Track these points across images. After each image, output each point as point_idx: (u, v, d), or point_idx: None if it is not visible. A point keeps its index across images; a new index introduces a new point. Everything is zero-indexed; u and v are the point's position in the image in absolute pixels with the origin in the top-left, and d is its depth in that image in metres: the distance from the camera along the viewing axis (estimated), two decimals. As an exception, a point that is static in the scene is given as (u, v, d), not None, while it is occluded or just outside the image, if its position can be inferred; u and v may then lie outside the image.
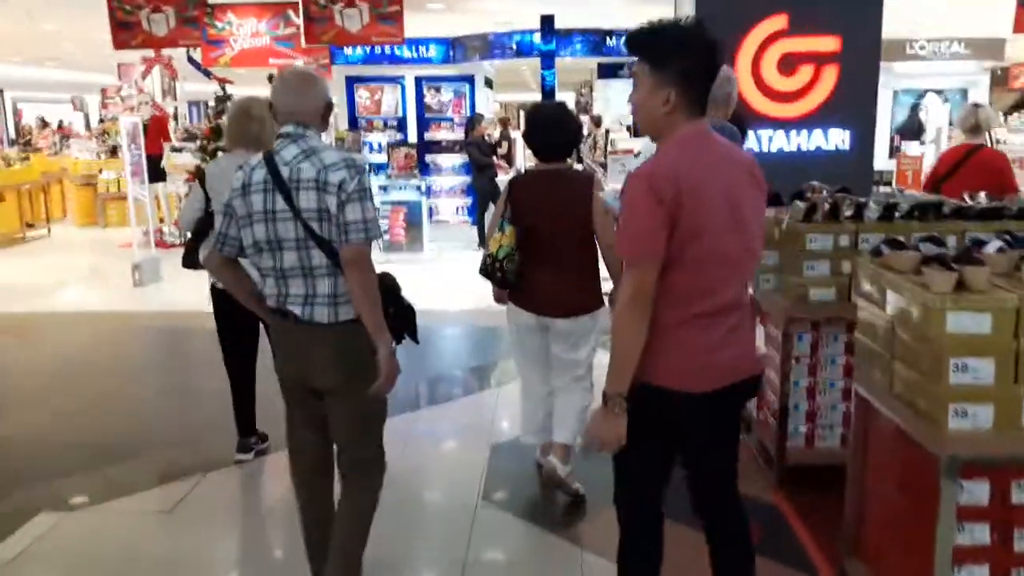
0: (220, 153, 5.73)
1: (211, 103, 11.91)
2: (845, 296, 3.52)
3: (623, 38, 11.13)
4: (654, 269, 1.99)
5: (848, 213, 3.57)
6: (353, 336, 2.49)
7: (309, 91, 2.55)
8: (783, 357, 3.65)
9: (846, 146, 6.79)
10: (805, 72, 6.69)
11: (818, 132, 6.76)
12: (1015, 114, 15.31)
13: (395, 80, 10.64)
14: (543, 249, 3.41)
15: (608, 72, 14.82)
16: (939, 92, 10.38)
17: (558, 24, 9.52)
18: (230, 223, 2.58)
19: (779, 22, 6.63)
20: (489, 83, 11.79)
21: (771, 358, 3.92)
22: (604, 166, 9.62)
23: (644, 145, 4.04)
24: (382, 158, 10.34)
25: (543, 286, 3.45)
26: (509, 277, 3.43)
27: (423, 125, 10.70)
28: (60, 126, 20.72)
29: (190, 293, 8.66)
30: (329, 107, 2.64)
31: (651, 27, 2.09)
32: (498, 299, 3.75)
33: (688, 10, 7.09)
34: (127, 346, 6.93)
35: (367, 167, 2.78)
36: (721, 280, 2.08)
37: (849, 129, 6.75)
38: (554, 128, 3.48)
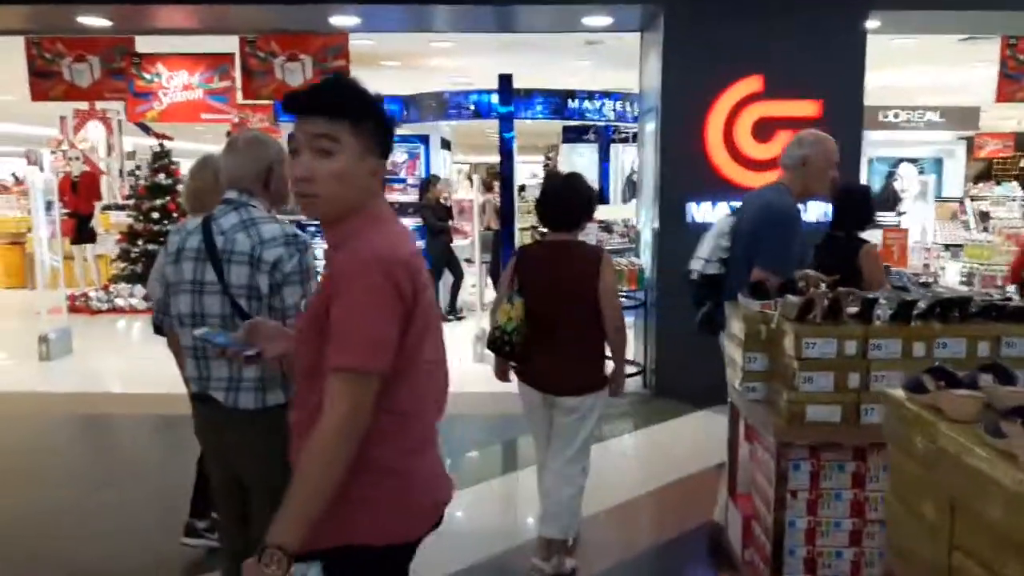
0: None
1: (148, 160, 11.26)
2: (852, 417, 2.80)
3: (584, 99, 10.80)
4: (379, 383, 1.59)
5: (853, 311, 2.87)
6: (282, 425, 2.10)
7: (251, 153, 2.45)
8: (776, 491, 2.89)
9: (828, 219, 6.18)
10: (782, 138, 6.11)
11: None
12: (981, 184, 15.09)
13: (344, 139, 9.95)
14: (547, 324, 3.33)
15: (574, 135, 14.41)
16: (914, 161, 9.97)
17: (519, 84, 8.99)
18: (166, 291, 2.50)
19: (753, 84, 6.09)
20: (447, 144, 11.18)
21: (760, 489, 3.16)
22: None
23: (721, 220, 3.79)
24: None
25: (547, 362, 3.38)
26: (516, 351, 3.36)
27: (375, 187, 10.00)
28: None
29: (103, 370, 8.16)
30: (272, 172, 2.47)
31: (335, 82, 1.69)
32: (500, 375, 3.63)
33: (654, 72, 6.55)
34: (20, 434, 5.98)
35: (309, 243, 2.49)
36: (438, 393, 1.82)
37: (830, 202, 6.15)
38: (561, 198, 3.40)
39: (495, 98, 9.12)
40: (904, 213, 9.16)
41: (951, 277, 6.66)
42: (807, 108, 6.07)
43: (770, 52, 6.02)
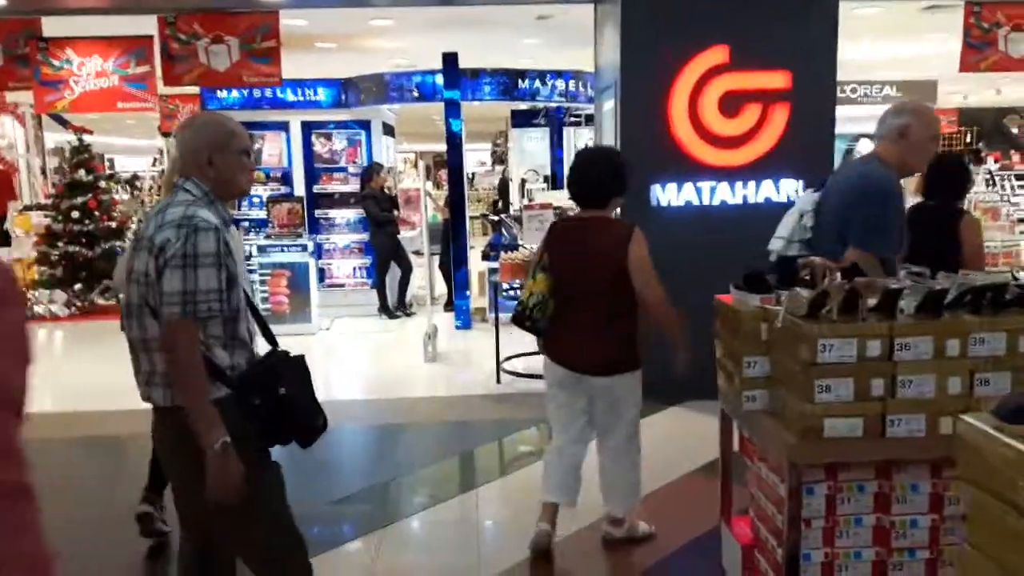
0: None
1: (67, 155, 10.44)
2: (877, 430, 2.36)
3: (535, 79, 10.29)
4: None
5: (872, 303, 2.42)
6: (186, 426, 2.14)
7: (186, 134, 2.31)
8: (788, 517, 2.44)
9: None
10: (751, 113, 5.70)
11: (767, 183, 5.76)
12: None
13: (278, 127, 9.31)
14: (575, 300, 3.28)
15: (524, 120, 13.92)
16: (872, 137, 9.67)
17: (465, 64, 8.43)
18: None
19: (718, 55, 5.64)
20: (390, 130, 10.58)
21: (764, 514, 2.71)
22: (519, 220, 8.46)
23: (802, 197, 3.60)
24: (262, 214, 8.96)
25: (575, 339, 3.31)
26: (540, 326, 3.35)
27: (312, 176, 9.35)
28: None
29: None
30: (206, 153, 2.26)
31: None
32: (542, 349, 3.56)
33: (611, 45, 6.07)
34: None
35: (205, 227, 2.18)
36: None
37: (803, 179, 5.76)
38: (588, 173, 3.35)
39: (440, 79, 8.55)
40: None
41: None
42: (776, 79, 5.65)
43: (736, 20, 5.59)
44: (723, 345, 2.87)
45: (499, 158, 22.28)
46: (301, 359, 2.36)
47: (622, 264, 3.19)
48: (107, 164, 32.10)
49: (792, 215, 3.37)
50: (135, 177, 18.22)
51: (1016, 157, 21.19)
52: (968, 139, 23.56)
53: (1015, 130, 24.66)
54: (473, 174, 23.07)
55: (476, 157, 27.16)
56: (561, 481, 3.50)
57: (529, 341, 7.28)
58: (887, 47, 10.50)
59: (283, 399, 2.23)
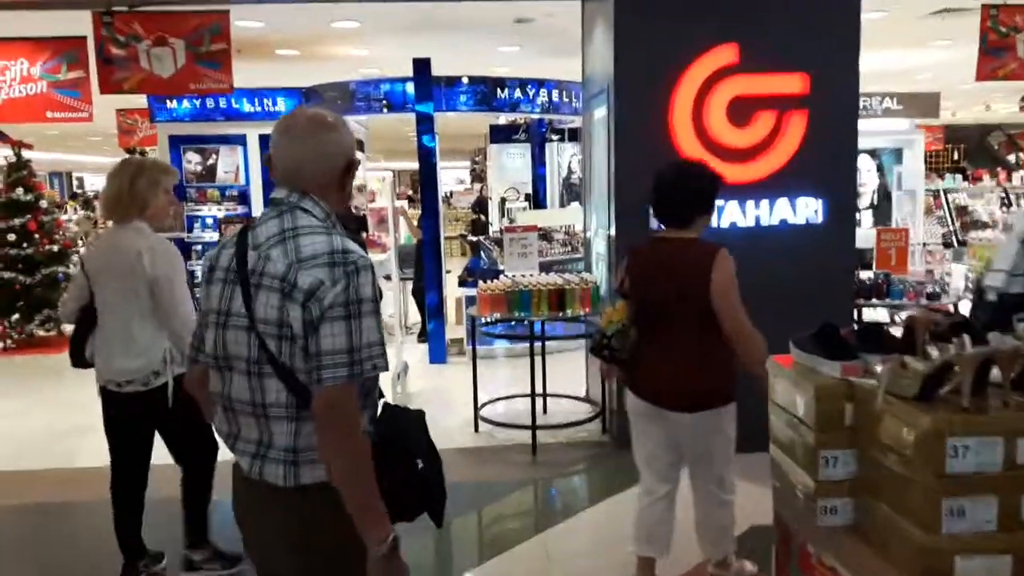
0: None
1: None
2: (1030, 570, 1.59)
3: (516, 88, 9.54)
4: None
5: (1015, 374, 1.66)
6: (322, 509, 1.73)
7: (318, 141, 1.81)
8: None
9: (819, 219, 5.08)
10: (764, 122, 4.97)
11: (783, 202, 5.02)
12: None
13: (234, 140, 8.50)
14: (657, 328, 3.08)
15: (503, 136, 13.23)
16: (871, 153, 9.07)
17: (439, 71, 7.69)
18: (200, 320, 1.92)
19: (726, 55, 4.91)
20: (360, 145, 9.79)
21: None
22: (499, 243, 7.72)
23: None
24: (215, 236, 8.15)
25: (659, 372, 3.08)
26: (620, 356, 3.15)
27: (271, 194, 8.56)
28: None
29: None
30: (349, 169, 1.87)
31: None
32: (606, 375, 3.53)
33: (603, 47, 5.35)
34: None
35: (365, 264, 1.68)
36: None
37: (823, 197, 5.04)
38: (671, 190, 3.15)
39: (411, 87, 7.78)
40: (876, 207, 8.21)
41: (957, 283, 5.65)
42: (792, 83, 4.93)
43: (746, 15, 4.87)
44: (783, 426, 2.10)
45: (478, 176, 21.73)
46: (421, 416, 1.95)
47: (707, 289, 2.93)
48: (76, 183, 31.17)
49: (1012, 241, 2.86)
50: (96, 197, 17.36)
51: (1003, 175, 20.80)
52: (955, 156, 23.25)
53: (997, 147, 24.46)
54: (451, 192, 22.46)
55: (455, 175, 26.67)
56: (653, 531, 3.21)
57: (510, 381, 6.59)
58: (890, 57, 9.89)
59: (421, 474, 1.87)
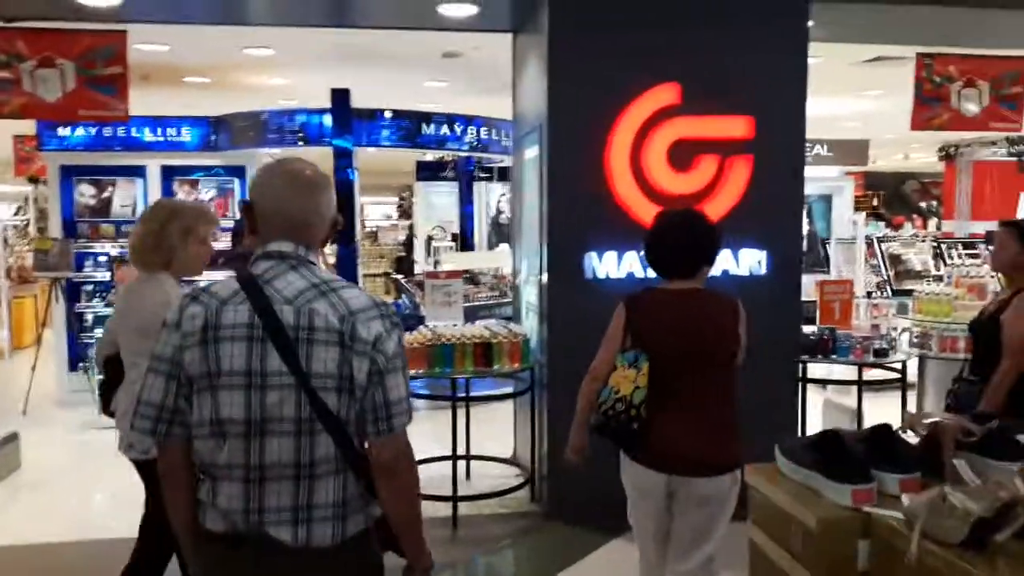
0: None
1: None
2: None
3: (443, 124, 9.14)
4: None
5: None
6: (366, 556, 1.83)
7: (322, 198, 1.88)
8: None
9: (763, 270, 4.75)
10: (707, 166, 4.64)
11: (725, 252, 4.65)
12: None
13: (132, 172, 7.79)
14: (675, 389, 2.79)
15: (430, 173, 12.84)
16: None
17: (361, 103, 7.21)
18: (174, 389, 1.79)
19: (668, 95, 4.58)
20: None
21: None
22: (421, 286, 7.21)
23: None
24: (107, 276, 7.44)
25: (676, 437, 2.79)
26: (639, 427, 2.76)
27: (173, 232, 7.88)
28: None
29: None
30: (334, 227, 1.95)
31: None
32: (575, 453, 2.99)
33: (536, 82, 4.98)
34: None
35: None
36: None
37: (767, 248, 4.73)
38: (674, 239, 2.94)
39: (328, 119, 7.27)
40: (806, 254, 8.02)
41: (904, 339, 5.40)
42: (736, 127, 4.63)
43: (688, 53, 4.56)
44: (771, 560, 1.65)
45: (405, 212, 21.46)
46: None
47: (735, 343, 2.85)
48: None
49: None
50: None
51: (919, 221, 21.44)
52: (875, 203, 23.90)
53: (912, 194, 25.32)
54: (377, 228, 22.07)
55: (382, 210, 26.29)
56: None
57: (431, 439, 5.95)
58: (821, 103, 9.88)
59: None
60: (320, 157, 9.07)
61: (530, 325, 5.19)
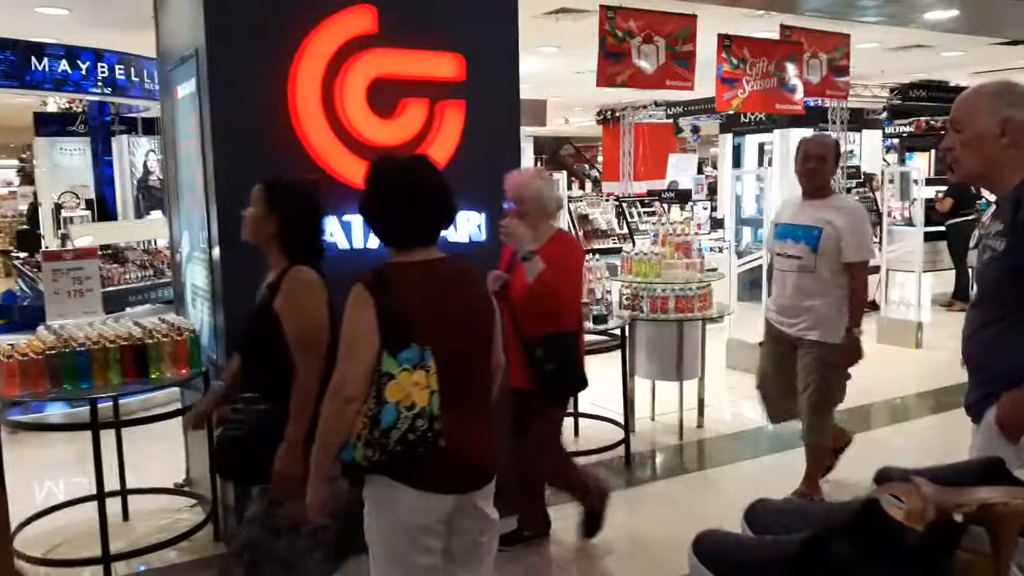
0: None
1: None
2: None
3: (62, 59, 7.23)
4: None
5: None
6: None
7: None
8: None
9: (483, 236, 4.11)
10: (416, 112, 3.85)
11: (439, 215, 3.96)
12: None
13: None
14: (465, 390, 2.32)
15: (56, 127, 10.64)
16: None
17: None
18: None
19: (362, 20, 3.69)
20: None
21: None
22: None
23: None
24: None
25: (469, 446, 2.31)
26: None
27: None
28: None
29: None
30: None
31: None
32: (323, 508, 2.28)
33: (189, 14, 3.80)
34: None
35: None
36: None
37: (486, 211, 4.08)
38: (440, 195, 2.42)
39: None
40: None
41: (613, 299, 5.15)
42: (445, 66, 3.90)
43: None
44: None
45: (28, 177, 18.38)
46: None
47: (494, 323, 2.50)
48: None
49: None
50: None
51: (576, 183, 22.82)
52: (539, 165, 25.13)
53: (568, 159, 27.15)
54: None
55: (1, 176, 22.80)
56: None
57: (72, 470, 4.49)
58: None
59: None
60: None
61: (199, 316, 4.06)
